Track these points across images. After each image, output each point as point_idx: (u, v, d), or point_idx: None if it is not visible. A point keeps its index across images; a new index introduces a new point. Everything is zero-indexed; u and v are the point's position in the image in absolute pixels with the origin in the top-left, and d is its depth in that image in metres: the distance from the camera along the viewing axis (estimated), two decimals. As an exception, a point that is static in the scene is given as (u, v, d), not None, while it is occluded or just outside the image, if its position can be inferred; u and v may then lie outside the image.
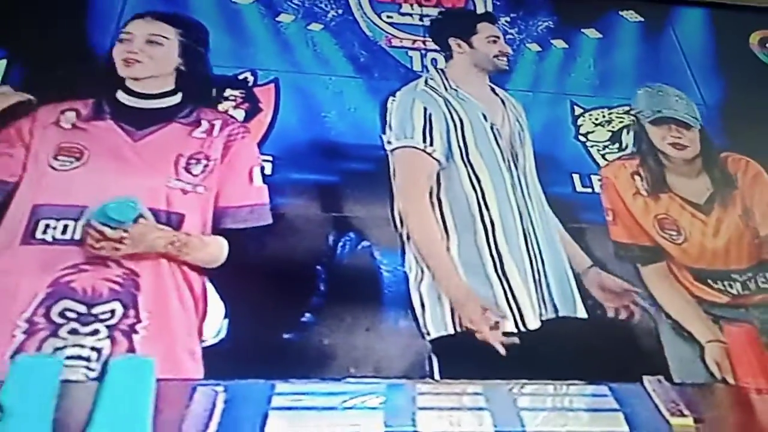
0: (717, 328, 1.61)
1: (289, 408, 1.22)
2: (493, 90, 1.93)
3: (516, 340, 1.50)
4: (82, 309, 1.30)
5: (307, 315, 1.45)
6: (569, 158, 1.87)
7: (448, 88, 1.85)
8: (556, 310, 1.62)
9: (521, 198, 1.73)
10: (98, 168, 1.47)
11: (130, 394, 1.16)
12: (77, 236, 1.37)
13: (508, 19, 2.11)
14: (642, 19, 2.21)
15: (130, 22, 1.68)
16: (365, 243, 1.59)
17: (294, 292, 1.47)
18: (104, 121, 1.54)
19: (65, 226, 1.39)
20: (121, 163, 1.49)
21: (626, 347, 1.58)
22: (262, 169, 1.61)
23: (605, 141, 1.91)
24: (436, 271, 1.57)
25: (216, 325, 1.38)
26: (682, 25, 2.23)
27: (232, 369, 1.30)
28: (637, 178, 1.81)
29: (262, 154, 1.66)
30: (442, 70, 1.92)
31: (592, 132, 1.93)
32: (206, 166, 1.53)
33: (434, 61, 1.98)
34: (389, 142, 1.74)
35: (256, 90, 1.78)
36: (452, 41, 1.97)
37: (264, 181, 1.59)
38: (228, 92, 1.74)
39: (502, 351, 1.46)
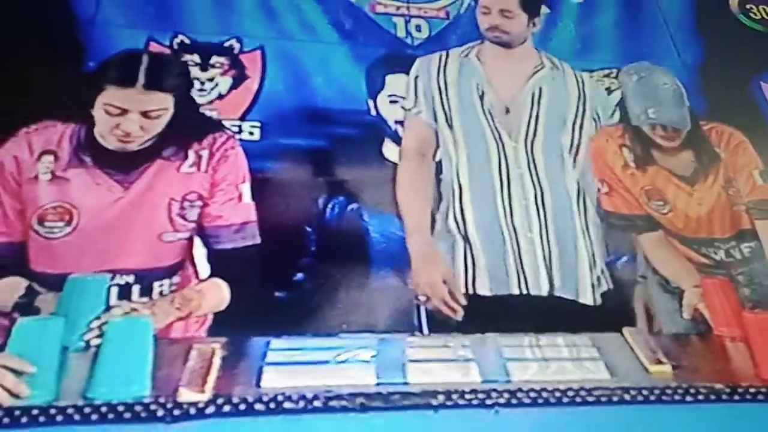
0: (698, 276, 1.69)
1: (284, 363, 1.26)
2: (541, 66, 1.87)
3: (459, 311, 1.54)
4: None
5: (299, 274, 1.49)
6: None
7: (462, 54, 1.87)
8: (552, 288, 1.63)
9: (514, 171, 1.72)
10: (94, 229, 1.37)
11: (128, 353, 1.19)
12: None
13: (492, -17, 2.12)
14: (624, -18, 2.23)
15: (117, 88, 1.38)
16: (354, 205, 1.63)
17: (285, 254, 1.51)
18: (85, 167, 1.40)
19: None
20: (114, 220, 1.39)
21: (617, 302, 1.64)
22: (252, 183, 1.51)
23: (586, 104, 1.94)
24: (406, 231, 1.61)
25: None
26: (662, -14, 2.26)
27: (228, 327, 1.34)
28: (624, 150, 1.83)
29: (250, 120, 1.68)
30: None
31: (573, 95, 1.95)
32: (201, 206, 1.45)
33: (418, 27, 1.99)
34: None
35: (242, 57, 1.79)
36: None
37: (250, 149, 1.57)
38: (214, 59, 1.74)
39: (458, 315, 1.52)
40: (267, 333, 1.33)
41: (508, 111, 1.79)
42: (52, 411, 1.09)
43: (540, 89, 1.84)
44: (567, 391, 1.29)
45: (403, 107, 1.78)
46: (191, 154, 1.47)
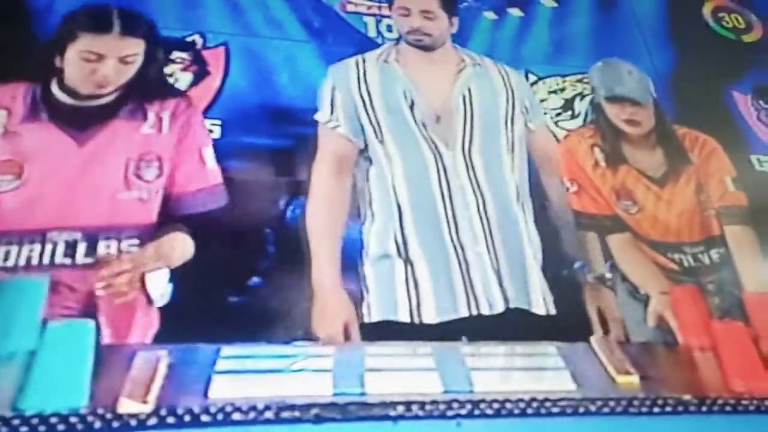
0: (666, 283, 1.67)
1: (235, 371, 1.20)
2: (463, 64, 1.77)
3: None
4: None
5: (255, 278, 1.42)
6: (524, 125, 1.87)
7: (380, 59, 1.72)
8: (507, 302, 1.54)
9: (454, 182, 1.60)
10: (41, 186, 1.34)
11: (65, 360, 1.12)
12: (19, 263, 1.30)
13: (466, -15, 2.10)
14: (598, -12, 2.23)
15: (93, 35, 1.41)
16: (315, 207, 1.56)
17: (242, 256, 1.45)
18: (40, 123, 1.39)
19: (6, 253, 1.30)
20: (66, 177, 1.36)
21: (584, 310, 1.60)
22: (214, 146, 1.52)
23: (558, 108, 1.93)
24: (314, 260, 1.47)
25: (160, 288, 1.35)
26: (637, -6, 2.26)
27: (176, 333, 1.27)
28: (596, 149, 1.82)
29: (211, 117, 1.62)
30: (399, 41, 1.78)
31: (546, 99, 1.94)
32: (159, 167, 1.43)
33: (389, 27, 1.95)
34: None
35: (204, 53, 1.73)
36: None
37: (213, 146, 1.53)
38: (175, 54, 1.68)
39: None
40: (218, 340, 1.26)
41: (438, 119, 1.66)
42: (-24, 423, 1.02)
43: (469, 90, 1.72)
44: (531, 402, 1.25)
45: (316, 120, 1.63)
46: (151, 115, 1.47)
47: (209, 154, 1.50)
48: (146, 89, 1.47)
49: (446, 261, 1.53)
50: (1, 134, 1.37)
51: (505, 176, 1.66)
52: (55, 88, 1.42)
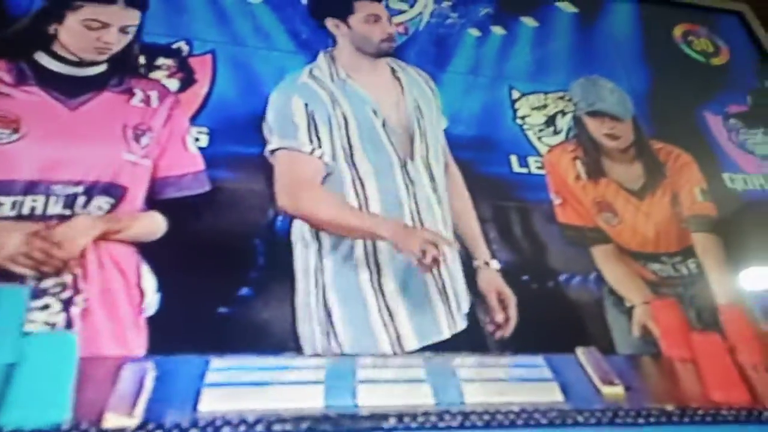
0: (649, 293, 1.70)
1: (224, 384, 1.17)
2: (393, 71, 1.77)
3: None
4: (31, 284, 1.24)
5: (245, 289, 1.40)
6: (507, 140, 1.90)
7: (335, 77, 1.67)
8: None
9: (420, 194, 1.59)
10: (42, 139, 1.35)
11: (48, 373, 1.08)
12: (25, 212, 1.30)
13: (451, 2, 2.13)
14: (577, 10, 2.29)
15: (98, 5, 1.47)
16: (305, 217, 1.54)
17: (231, 266, 1.42)
18: (29, 87, 1.40)
19: (14, 203, 1.29)
20: (65, 134, 1.38)
21: (571, 322, 1.60)
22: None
23: (541, 125, 1.96)
24: (363, 225, 1.47)
25: (147, 298, 1.32)
26: (612, 16, 2.33)
27: (164, 345, 1.23)
28: (577, 162, 1.88)
29: (198, 125, 1.59)
30: (332, 55, 1.74)
31: (529, 116, 1.97)
32: (151, 137, 1.47)
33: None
34: (269, 142, 1.57)
35: (191, 60, 1.70)
36: (329, 22, 1.76)
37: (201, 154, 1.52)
38: (160, 61, 1.65)
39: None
40: (207, 351, 1.24)
41: (393, 131, 1.63)
42: (-48, 440, 0.97)
43: (416, 101, 1.70)
44: (521, 414, 1.26)
45: (290, 147, 1.54)
46: (138, 91, 1.51)
47: (191, 140, 1.53)
48: (130, 64, 1.54)
49: (422, 286, 1.50)
50: None
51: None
52: (42, 57, 1.44)
